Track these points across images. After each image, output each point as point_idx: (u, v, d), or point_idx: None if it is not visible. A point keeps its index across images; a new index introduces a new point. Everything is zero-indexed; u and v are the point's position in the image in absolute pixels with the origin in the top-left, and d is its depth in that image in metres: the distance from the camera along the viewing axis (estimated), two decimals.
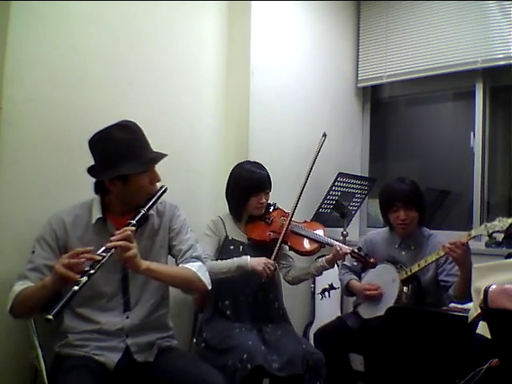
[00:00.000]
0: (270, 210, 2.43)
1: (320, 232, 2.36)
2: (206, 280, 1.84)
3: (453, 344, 1.75)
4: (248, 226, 2.38)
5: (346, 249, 2.25)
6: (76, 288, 1.44)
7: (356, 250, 2.28)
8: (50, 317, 1.37)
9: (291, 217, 2.31)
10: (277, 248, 2.24)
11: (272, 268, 2.17)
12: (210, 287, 1.86)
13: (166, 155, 1.78)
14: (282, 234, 2.27)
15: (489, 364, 1.43)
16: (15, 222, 1.87)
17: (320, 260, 2.34)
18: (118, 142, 1.68)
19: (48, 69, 2.00)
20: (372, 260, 2.28)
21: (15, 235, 1.87)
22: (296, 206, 2.31)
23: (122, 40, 2.30)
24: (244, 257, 2.20)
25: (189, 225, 1.94)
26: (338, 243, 2.28)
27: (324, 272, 2.38)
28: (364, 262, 2.30)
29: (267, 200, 2.37)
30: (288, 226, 2.29)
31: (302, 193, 2.32)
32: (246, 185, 2.31)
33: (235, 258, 2.20)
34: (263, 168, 2.37)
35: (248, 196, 2.31)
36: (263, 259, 2.18)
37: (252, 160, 2.47)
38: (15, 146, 1.88)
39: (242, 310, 2.25)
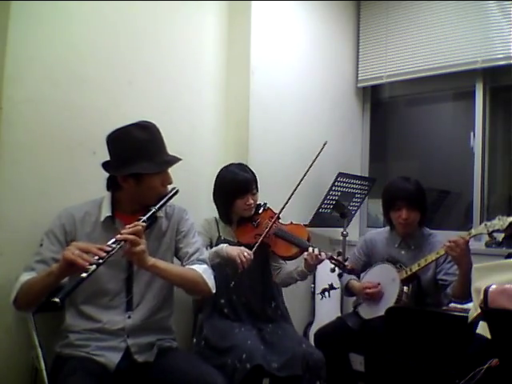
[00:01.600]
0: (260, 212, 2.40)
1: (303, 236, 2.30)
2: (211, 283, 1.84)
3: (453, 344, 1.75)
4: (237, 230, 2.38)
5: (323, 255, 2.18)
6: (84, 275, 1.45)
7: (335, 256, 2.24)
8: (57, 300, 1.38)
9: (274, 221, 2.27)
10: (258, 243, 2.20)
11: (248, 257, 2.12)
12: (214, 290, 1.86)
13: (180, 159, 1.79)
14: (263, 236, 2.24)
15: (489, 364, 1.43)
16: (15, 223, 1.87)
17: (300, 265, 2.29)
18: (135, 141, 1.71)
19: (48, 69, 2.00)
20: (349, 266, 2.25)
21: (15, 235, 1.86)
22: (281, 211, 2.29)
23: (122, 40, 2.30)
24: (221, 244, 2.20)
25: (196, 229, 1.95)
26: (314, 249, 2.20)
27: (324, 272, 2.37)
28: (342, 267, 2.26)
29: (255, 201, 2.35)
30: (269, 229, 2.25)
31: (290, 197, 2.29)
32: (230, 188, 2.29)
33: (215, 247, 2.21)
34: (247, 170, 2.35)
35: (233, 199, 2.30)
36: (241, 248, 2.16)
37: (251, 160, 2.47)
38: (15, 146, 1.88)
39: (238, 309, 2.26)
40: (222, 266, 2.17)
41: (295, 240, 2.28)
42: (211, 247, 2.30)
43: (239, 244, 2.30)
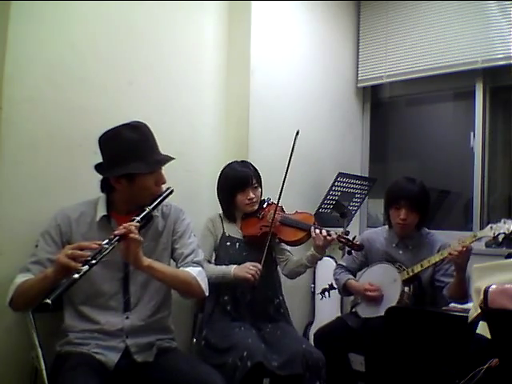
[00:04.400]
0: (264, 206, 2.42)
1: (308, 221, 2.31)
2: (204, 286, 1.84)
3: (453, 344, 1.75)
4: (243, 224, 2.40)
5: (332, 234, 2.19)
6: (76, 276, 1.44)
7: (341, 234, 2.24)
8: (49, 301, 1.38)
9: (276, 208, 2.30)
10: (266, 246, 2.22)
11: (256, 270, 2.15)
12: (207, 293, 1.86)
13: (173, 158, 1.79)
14: (270, 226, 2.25)
15: (489, 364, 1.43)
16: (15, 222, 1.87)
17: (310, 250, 2.30)
18: (127, 142, 1.70)
19: (48, 69, 1.99)
20: (358, 242, 2.24)
21: (15, 235, 1.86)
22: (279, 199, 2.29)
23: (122, 40, 2.30)
24: (230, 266, 2.22)
25: (193, 230, 1.94)
26: (321, 230, 2.21)
27: (324, 272, 2.38)
28: (351, 245, 2.23)
29: (257, 196, 2.37)
30: (274, 217, 2.27)
31: (283, 184, 2.30)
32: (230, 182, 2.34)
33: (223, 266, 2.22)
34: (248, 165, 2.39)
35: (234, 193, 2.33)
36: (246, 264, 2.18)
37: (251, 159, 2.47)
38: (15, 146, 1.88)
39: (241, 307, 2.26)
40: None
41: (300, 224, 2.29)
42: (215, 247, 2.32)
43: (244, 238, 2.34)
